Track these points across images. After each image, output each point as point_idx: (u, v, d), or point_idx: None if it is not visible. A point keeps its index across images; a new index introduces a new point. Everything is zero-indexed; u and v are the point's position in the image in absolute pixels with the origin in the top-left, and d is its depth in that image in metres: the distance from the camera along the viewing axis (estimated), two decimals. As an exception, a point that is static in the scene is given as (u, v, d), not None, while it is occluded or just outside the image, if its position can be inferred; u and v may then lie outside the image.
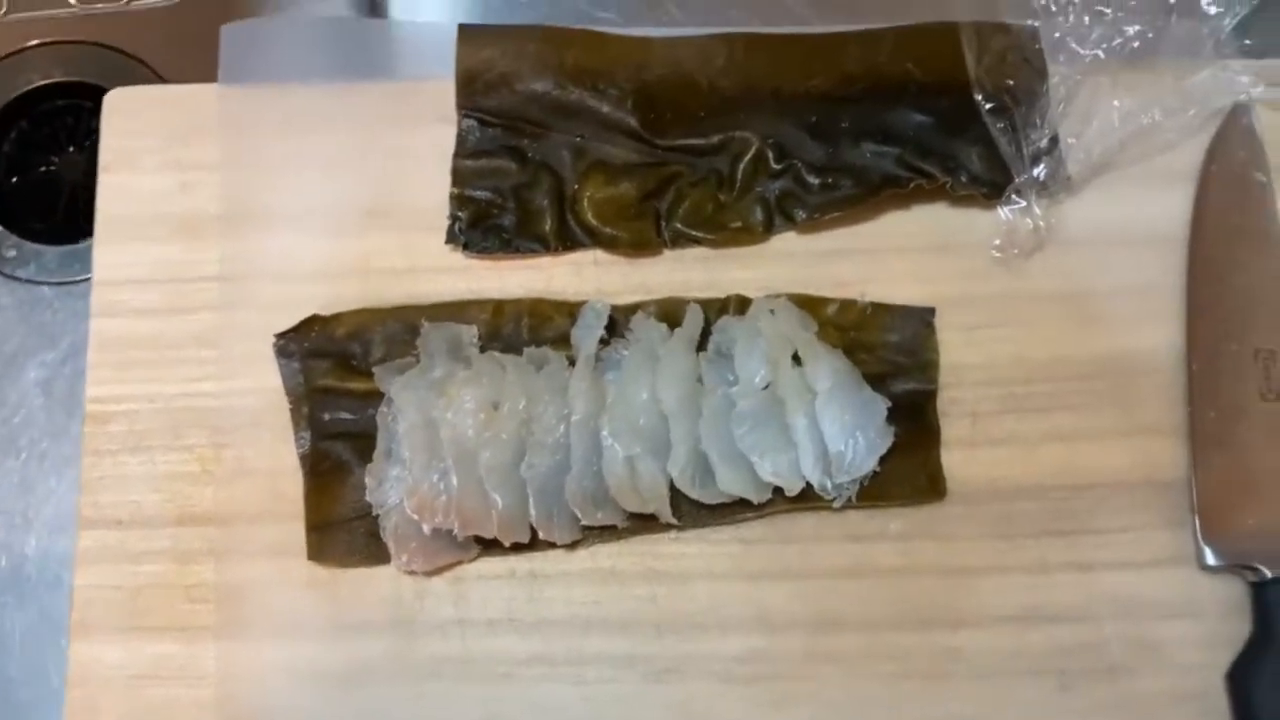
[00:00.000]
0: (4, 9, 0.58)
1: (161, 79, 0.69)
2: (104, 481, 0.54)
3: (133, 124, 0.58)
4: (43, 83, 0.70)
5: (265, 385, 0.54)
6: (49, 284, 0.67)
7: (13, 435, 0.64)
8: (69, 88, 0.70)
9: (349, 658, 0.51)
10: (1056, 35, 0.56)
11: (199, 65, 0.59)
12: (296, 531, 0.52)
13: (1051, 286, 0.55)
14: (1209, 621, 0.51)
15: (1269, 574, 0.50)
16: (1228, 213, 0.56)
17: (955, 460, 0.53)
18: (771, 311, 0.53)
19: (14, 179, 0.70)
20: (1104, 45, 0.55)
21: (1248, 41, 0.58)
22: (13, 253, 0.68)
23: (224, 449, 0.54)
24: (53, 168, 0.70)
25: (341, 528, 0.52)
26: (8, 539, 0.63)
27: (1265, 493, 0.52)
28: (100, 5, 0.59)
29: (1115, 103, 0.55)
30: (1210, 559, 0.51)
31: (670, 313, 0.54)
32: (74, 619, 0.52)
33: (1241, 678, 0.50)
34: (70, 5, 0.59)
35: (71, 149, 0.70)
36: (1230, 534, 0.52)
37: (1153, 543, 0.52)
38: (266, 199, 0.56)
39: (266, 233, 0.56)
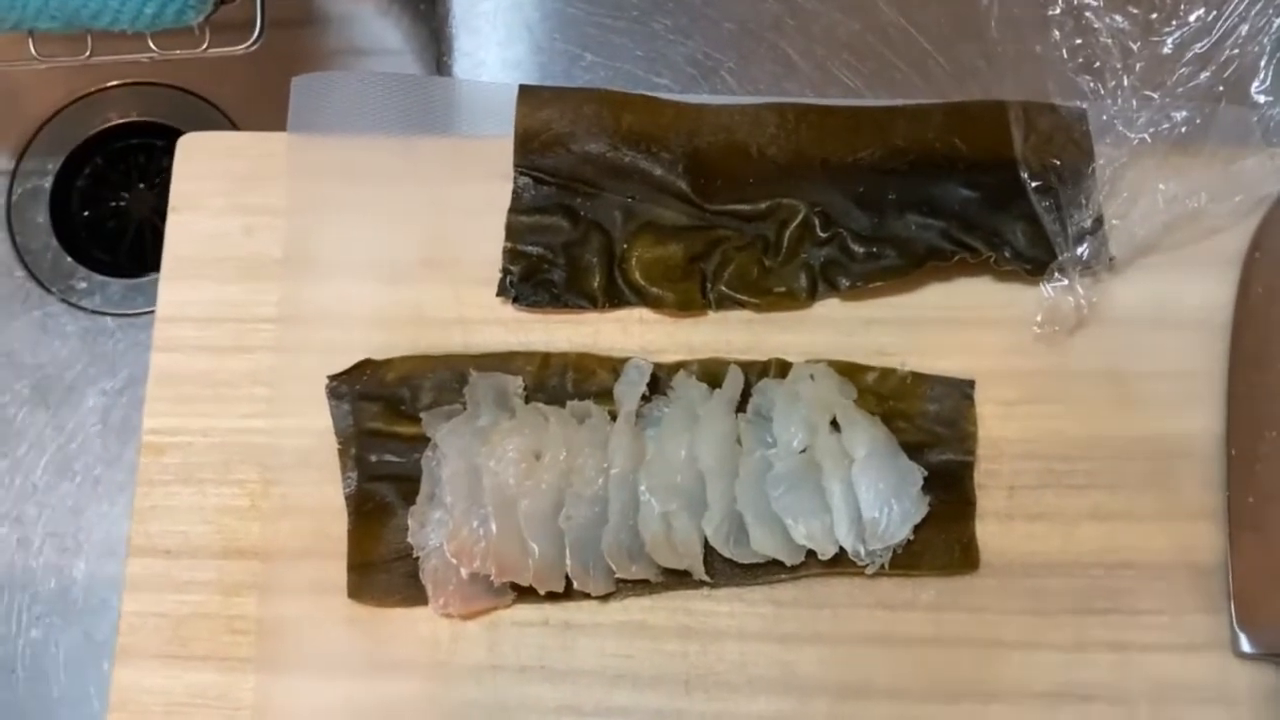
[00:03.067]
0: (88, 52, 0.60)
1: (232, 122, 0.72)
2: (155, 511, 0.54)
3: (202, 167, 0.58)
4: (119, 121, 0.73)
5: (316, 426, 0.54)
6: (112, 315, 0.70)
7: (68, 460, 0.66)
8: (143, 127, 0.74)
9: (383, 696, 0.51)
10: (1104, 118, 0.56)
11: (268, 111, 0.60)
12: (338, 569, 0.53)
13: (1092, 365, 0.55)
14: (1243, 709, 0.50)
15: (1305, 663, 0.50)
16: (1272, 299, 0.55)
17: (990, 533, 0.53)
18: (811, 377, 0.53)
19: (85, 212, 0.73)
20: (1151, 129, 0.55)
21: (1297, 131, 0.58)
22: (83, 284, 0.70)
23: (272, 485, 0.54)
24: (123, 203, 0.73)
25: (382, 568, 0.52)
26: (58, 561, 0.65)
27: (1302, 581, 0.51)
28: (179, 52, 0.60)
29: (1161, 186, 0.55)
30: (1245, 646, 0.51)
31: (712, 373, 0.54)
32: (119, 644, 0.52)
33: (1275, 768, 0.50)
34: (150, 50, 0.60)
35: (142, 186, 0.74)
36: (1266, 621, 0.51)
37: (1188, 626, 0.51)
38: (327, 245, 0.57)
39: (325, 278, 0.56)
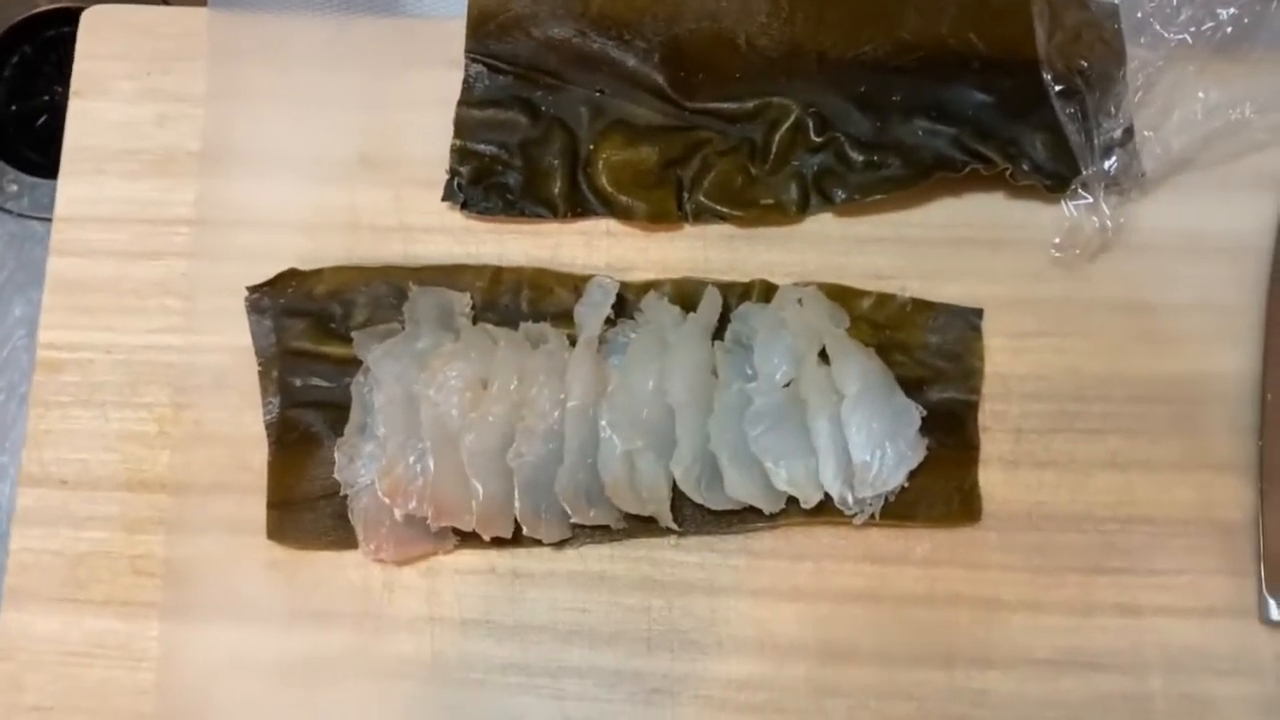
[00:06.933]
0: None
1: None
2: (50, 436, 0.52)
3: (111, 46, 0.56)
4: (50, 7, 0.69)
5: (234, 343, 0.52)
6: (42, 219, 0.67)
7: (-8, 375, 0.64)
8: (77, 14, 0.68)
9: (306, 650, 0.49)
10: (1139, 15, 0.53)
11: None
12: (257, 506, 0.51)
13: (1115, 295, 0.53)
14: (1269, 682, 0.49)
15: (1342, 635, 0.48)
16: (1322, 226, 0.52)
17: (994, 481, 0.51)
18: (799, 301, 0.51)
19: (13, 107, 0.70)
20: (1192, 29, 0.52)
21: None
22: (11, 186, 0.67)
23: (184, 410, 0.52)
24: (55, 98, 0.71)
25: (306, 506, 0.51)
26: (-19, 486, 0.63)
27: (1344, 543, 0.48)
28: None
29: (1201, 94, 0.52)
30: (1274, 613, 0.49)
31: (687, 294, 0.52)
32: (6, 585, 0.51)
33: (1304, 750, 0.47)
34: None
35: (76, 78, 0.72)
36: (1300, 586, 0.49)
37: (1210, 590, 0.50)
38: (251, 138, 0.54)
39: (248, 175, 0.54)
